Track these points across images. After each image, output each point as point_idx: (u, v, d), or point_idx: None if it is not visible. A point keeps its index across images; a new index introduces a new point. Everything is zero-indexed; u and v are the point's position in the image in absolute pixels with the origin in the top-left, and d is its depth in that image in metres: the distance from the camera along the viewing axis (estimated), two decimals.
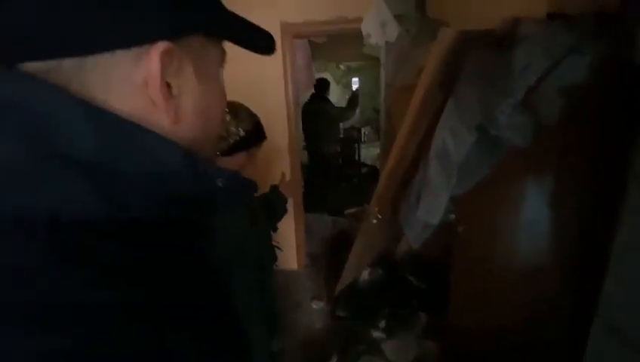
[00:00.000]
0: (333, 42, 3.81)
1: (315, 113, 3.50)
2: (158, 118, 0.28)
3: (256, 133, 0.99)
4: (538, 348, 1.07)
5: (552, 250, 1.04)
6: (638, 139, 0.67)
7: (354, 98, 3.94)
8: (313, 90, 3.67)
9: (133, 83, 0.26)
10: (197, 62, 0.30)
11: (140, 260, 0.27)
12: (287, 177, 1.43)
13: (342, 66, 5.64)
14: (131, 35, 0.25)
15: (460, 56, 1.06)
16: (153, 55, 0.26)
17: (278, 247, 2.41)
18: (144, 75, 0.26)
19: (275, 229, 1.30)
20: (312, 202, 3.21)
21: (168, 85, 0.28)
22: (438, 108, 1.18)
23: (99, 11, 0.24)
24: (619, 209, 0.71)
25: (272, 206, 1.27)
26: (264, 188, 1.30)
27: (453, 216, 1.31)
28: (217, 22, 0.32)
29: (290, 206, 2.49)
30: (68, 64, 0.24)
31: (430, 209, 1.16)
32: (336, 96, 5.55)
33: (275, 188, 1.31)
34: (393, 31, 1.94)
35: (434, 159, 1.11)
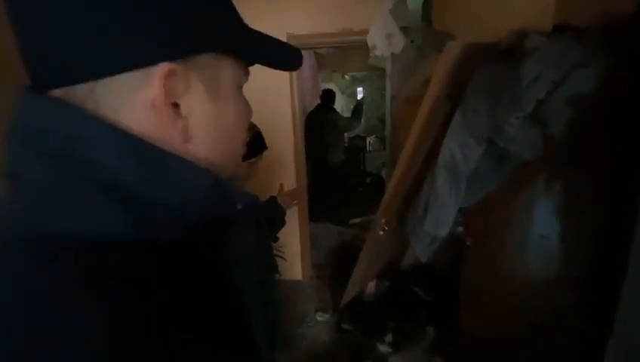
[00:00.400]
0: (339, 53, 3.85)
1: (322, 123, 3.52)
2: (168, 138, 0.28)
3: (256, 144, 1.00)
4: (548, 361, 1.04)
5: (562, 263, 1.02)
6: None
7: (358, 108, 3.96)
8: (319, 101, 3.70)
9: (141, 104, 0.26)
10: (209, 81, 0.30)
11: (163, 280, 0.27)
12: (286, 188, 1.42)
13: (347, 76, 5.69)
14: (134, 58, 0.25)
15: (466, 69, 1.06)
16: (155, 77, 0.26)
17: (282, 257, 2.39)
18: (151, 96, 0.26)
19: (276, 240, 1.29)
20: (317, 212, 3.20)
21: (177, 105, 0.28)
22: (445, 119, 1.17)
23: (105, 36, 0.25)
24: (630, 221, 0.70)
25: (271, 217, 1.27)
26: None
27: (461, 229, 1.29)
28: (230, 40, 0.31)
29: (295, 215, 2.50)
30: (82, 87, 0.25)
31: (438, 221, 1.14)
32: (341, 105, 5.59)
33: (273, 200, 1.31)
34: (399, 42, 1.96)
35: (442, 171, 1.10)
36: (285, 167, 2.39)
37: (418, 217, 1.21)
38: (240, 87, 0.34)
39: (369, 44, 2.02)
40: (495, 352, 1.19)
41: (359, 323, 1.93)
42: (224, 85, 0.31)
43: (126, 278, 0.24)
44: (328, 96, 3.68)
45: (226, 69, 0.31)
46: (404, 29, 1.96)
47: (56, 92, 0.26)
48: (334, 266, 2.80)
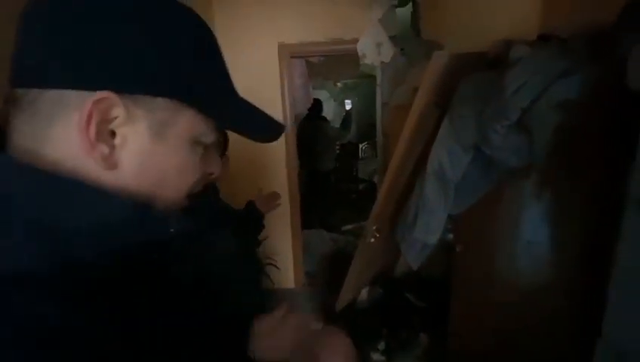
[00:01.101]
0: (330, 61, 3.88)
1: (312, 132, 3.58)
2: (91, 159, 0.28)
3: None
4: None
5: (550, 268, 1.03)
6: (634, 161, 0.68)
7: (348, 118, 4.06)
8: (307, 110, 3.76)
9: (71, 122, 0.27)
10: (157, 122, 0.30)
11: (81, 315, 0.26)
12: (274, 192, 1.43)
13: (339, 84, 5.74)
14: (75, 78, 0.27)
15: (454, 78, 1.08)
16: (88, 101, 0.27)
17: (275, 266, 2.37)
18: (79, 116, 0.27)
19: (258, 244, 1.29)
20: (309, 218, 3.19)
21: (113, 133, 0.29)
22: (434, 127, 1.19)
23: (65, 54, 0.27)
24: (618, 227, 0.71)
25: (249, 221, 1.27)
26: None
27: (451, 236, 1.30)
28: (186, 93, 0.31)
29: (287, 222, 2.49)
30: (32, 92, 0.27)
31: (427, 228, 1.15)
32: (333, 113, 5.62)
33: (251, 204, 1.30)
34: (388, 51, 1.99)
35: (430, 178, 1.11)
36: (277, 173, 2.39)
37: (408, 224, 1.21)
38: (198, 143, 0.34)
39: (359, 53, 2.04)
40: (487, 357, 1.20)
41: (352, 331, 1.91)
42: (173, 133, 0.32)
43: (34, 314, 0.24)
44: (317, 106, 3.75)
45: (182, 118, 0.32)
46: (393, 38, 1.99)
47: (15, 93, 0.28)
48: (327, 273, 2.78)
